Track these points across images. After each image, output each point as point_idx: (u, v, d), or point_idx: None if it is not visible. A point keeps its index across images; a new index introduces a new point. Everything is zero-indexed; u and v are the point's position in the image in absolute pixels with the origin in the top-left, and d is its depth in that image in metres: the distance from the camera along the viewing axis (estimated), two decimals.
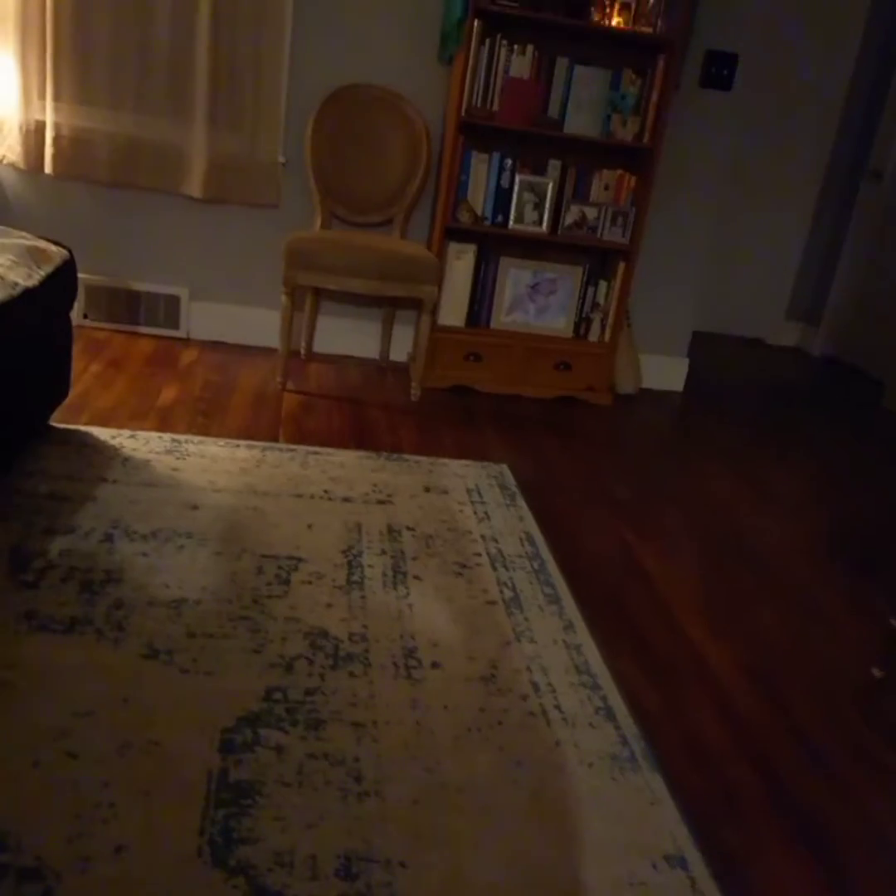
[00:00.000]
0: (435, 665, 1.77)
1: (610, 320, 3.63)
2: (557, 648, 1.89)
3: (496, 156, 3.37)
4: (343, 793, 1.41)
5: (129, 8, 3.18)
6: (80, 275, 2.91)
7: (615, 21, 3.23)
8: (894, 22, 4.75)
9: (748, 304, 5.31)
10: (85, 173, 3.33)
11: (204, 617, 1.80)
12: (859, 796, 1.61)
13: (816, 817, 1.54)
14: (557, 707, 1.70)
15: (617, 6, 3.23)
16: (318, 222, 3.43)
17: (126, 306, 3.54)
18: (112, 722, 1.48)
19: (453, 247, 3.47)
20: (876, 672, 1.92)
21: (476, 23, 3.13)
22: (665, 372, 4.03)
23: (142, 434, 2.64)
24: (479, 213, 3.43)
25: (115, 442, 2.55)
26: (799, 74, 4.85)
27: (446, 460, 2.83)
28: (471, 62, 3.18)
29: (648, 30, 3.23)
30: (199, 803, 1.35)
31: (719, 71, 3.58)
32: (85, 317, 3.50)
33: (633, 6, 3.22)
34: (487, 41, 3.20)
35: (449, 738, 1.57)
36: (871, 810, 1.58)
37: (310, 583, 1.99)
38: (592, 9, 3.22)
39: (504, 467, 2.85)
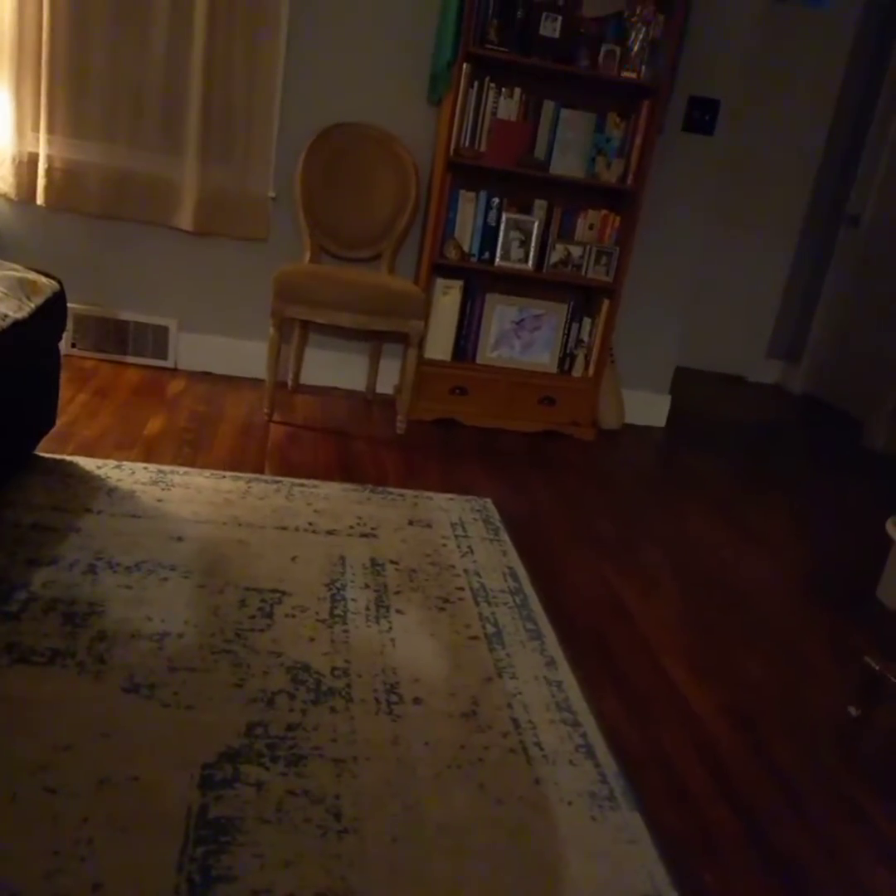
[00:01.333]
0: (416, 701, 1.77)
1: (594, 356, 3.68)
2: (539, 685, 1.90)
3: (483, 194, 3.43)
4: (322, 830, 1.41)
5: (124, 43, 3.24)
6: (68, 304, 2.92)
7: (601, 66, 3.31)
8: (872, 72, 4.89)
9: (730, 342, 5.39)
10: (76, 205, 3.36)
11: (186, 650, 1.80)
12: (835, 839, 1.62)
13: (793, 859, 1.55)
14: (538, 744, 1.71)
15: (602, 52, 3.31)
16: (307, 256, 3.47)
17: (114, 336, 3.55)
18: (92, 756, 1.48)
19: (440, 282, 3.52)
20: (852, 711, 1.94)
21: (465, 66, 3.20)
22: (648, 408, 4.08)
23: (127, 464, 2.64)
24: (466, 249, 3.48)
25: (100, 472, 2.55)
26: (779, 120, 4.98)
27: (431, 494, 2.85)
28: (459, 104, 3.25)
29: (633, 75, 3.31)
30: (177, 840, 1.34)
31: (702, 116, 3.68)
32: (73, 346, 3.51)
33: (619, 52, 3.31)
34: (476, 83, 3.27)
35: (429, 775, 1.58)
36: (846, 853, 1.59)
37: (293, 616, 2.00)
38: (579, 54, 3.31)
39: (488, 501, 2.87)
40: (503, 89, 3.32)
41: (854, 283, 4.97)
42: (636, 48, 3.28)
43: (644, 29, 3.27)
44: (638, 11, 3.27)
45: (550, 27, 3.26)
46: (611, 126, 3.42)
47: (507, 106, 3.35)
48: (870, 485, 3.87)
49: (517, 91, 3.34)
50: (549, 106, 3.38)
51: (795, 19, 4.85)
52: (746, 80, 3.70)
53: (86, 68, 3.24)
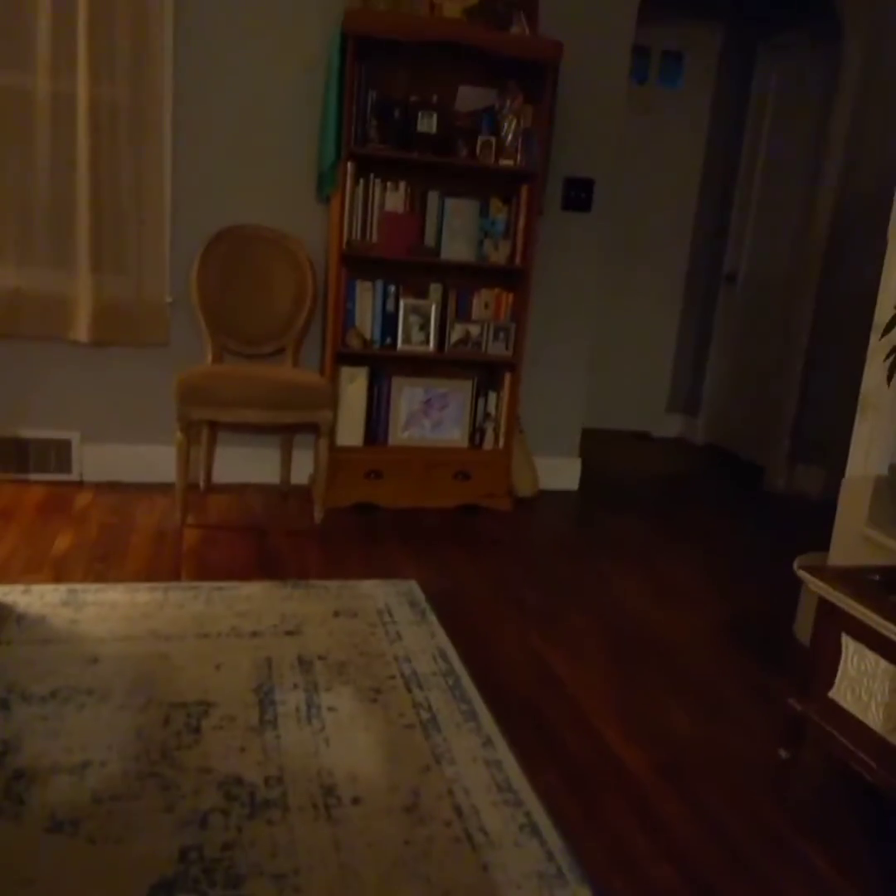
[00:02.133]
0: (355, 801, 1.74)
1: (502, 428, 3.77)
2: (477, 767, 1.89)
3: (379, 283, 3.53)
4: None
5: (7, 161, 3.24)
6: None
7: (479, 157, 3.49)
8: (729, 141, 5.28)
9: (632, 400, 5.60)
10: None
11: (110, 779, 1.73)
12: (779, 886, 1.65)
13: None
14: (482, 829, 1.69)
15: (479, 143, 3.49)
16: (210, 357, 3.48)
17: (14, 454, 3.46)
18: None
19: (346, 371, 3.57)
20: (782, 753, 1.98)
21: (349, 164, 3.33)
22: (560, 472, 4.18)
23: (36, 587, 2.55)
24: (367, 337, 3.55)
25: (8, 599, 2.46)
26: (653, 190, 5.30)
27: (354, 582, 2.84)
28: (348, 200, 3.36)
29: (510, 163, 3.49)
30: None
31: (578, 194, 3.90)
32: None
33: (495, 142, 3.49)
34: (361, 180, 3.40)
35: (375, 878, 1.54)
36: None
37: (221, 728, 1.95)
38: (458, 146, 3.48)
39: (412, 583, 2.87)
40: (388, 183, 3.46)
41: (738, 337, 5.26)
42: (510, 138, 3.47)
43: (515, 120, 3.47)
44: (508, 104, 3.47)
45: (427, 123, 3.43)
46: (494, 210, 3.58)
47: (394, 198, 3.47)
48: (776, 526, 4.04)
49: (402, 184, 3.48)
50: (434, 196, 3.53)
51: (657, 98, 5.23)
52: (617, 157, 3.94)
53: None
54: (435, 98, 3.48)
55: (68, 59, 3.20)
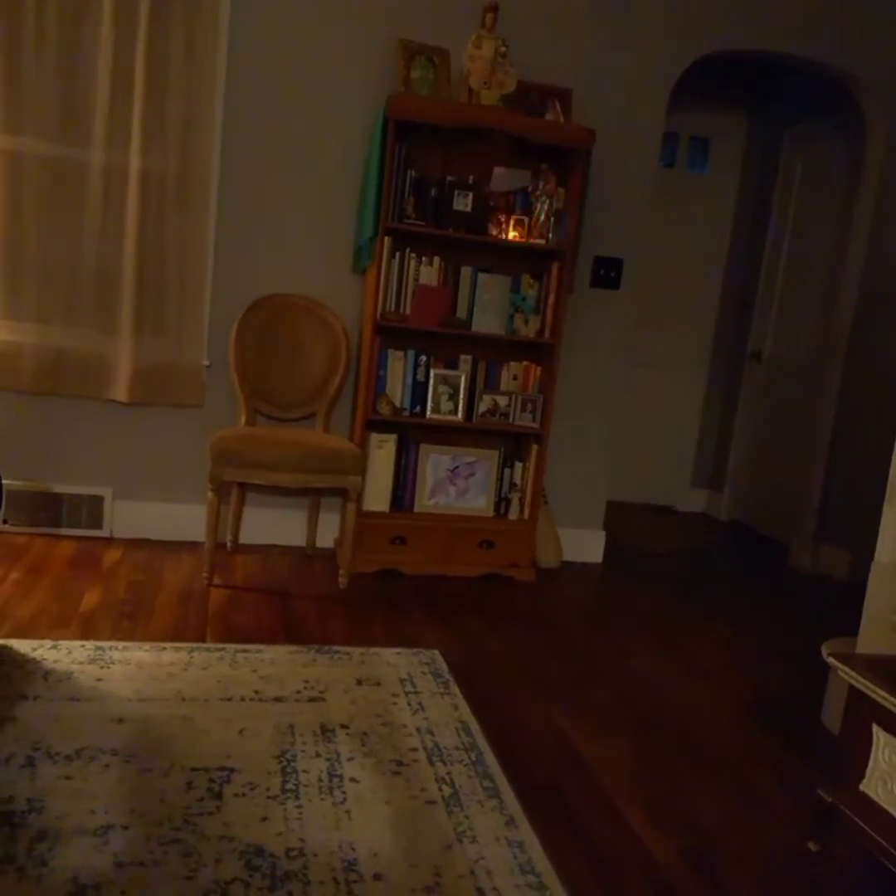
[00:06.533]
0: (376, 877, 1.72)
1: (528, 499, 3.79)
2: (500, 847, 1.86)
3: (411, 353, 3.61)
4: None
5: (58, 228, 3.38)
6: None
7: (511, 235, 3.60)
8: (754, 223, 5.40)
9: (657, 474, 5.61)
10: (10, 384, 3.41)
11: (133, 844, 1.73)
12: None
13: None
14: None
15: (512, 222, 3.60)
16: (243, 419, 3.55)
17: (47, 509, 3.52)
18: None
19: (375, 437, 3.63)
20: (812, 846, 1.94)
21: (386, 239, 3.44)
22: (584, 544, 4.18)
23: (64, 643, 2.58)
24: (397, 404, 3.62)
25: (35, 654, 2.48)
26: (679, 270, 5.41)
27: (377, 649, 2.84)
28: (383, 273, 3.47)
29: (541, 241, 3.60)
30: None
31: (607, 273, 3.99)
32: (4, 522, 3.46)
33: (527, 222, 3.60)
34: (397, 254, 3.50)
35: None
36: None
37: (243, 795, 1.94)
38: (490, 225, 3.59)
39: (435, 653, 2.86)
40: (423, 258, 3.56)
41: (762, 414, 5.29)
42: (542, 218, 3.58)
43: (548, 201, 3.58)
44: (541, 186, 3.59)
45: (463, 202, 3.54)
46: (525, 286, 3.67)
47: (428, 272, 3.58)
48: (801, 607, 3.99)
49: (436, 259, 3.58)
50: (466, 271, 3.63)
51: (684, 182, 5.37)
52: (645, 237, 4.04)
53: (20, 253, 3.36)
54: (471, 178, 3.60)
55: (122, 131, 3.35)
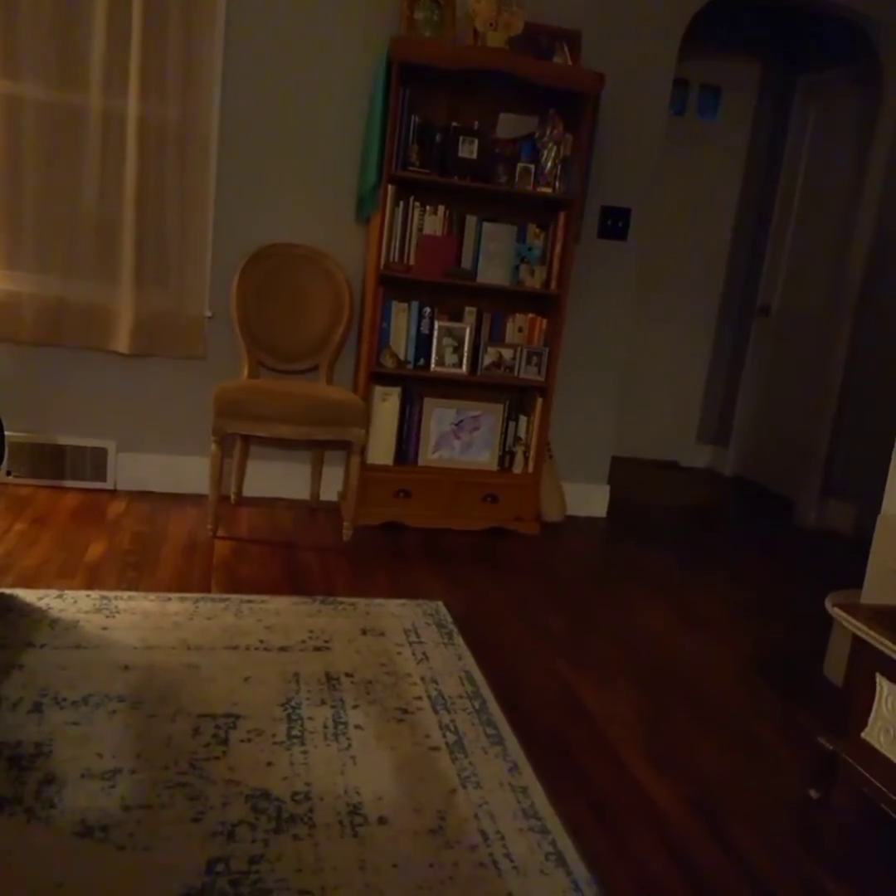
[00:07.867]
0: (381, 820, 1.74)
1: (532, 453, 3.78)
2: (504, 792, 1.88)
3: (415, 304, 3.56)
4: None
5: (58, 178, 3.32)
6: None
7: (518, 183, 3.53)
8: (766, 173, 5.29)
9: (662, 429, 5.59)
10: (11, 335, 3.38)
11: (140, 787, 1.74)
12: None
13: None
14: (507, 855, 1.69)
15: (519, 170, 3.53)
16: (245, 371, 3.52)
17: (51, 461, 3.52)
18: None
19: (379, 390, 3.60)
20: (812, 793, 1.96)
21: (390, 187, 3.37)
22: (588, 499, 4.17)
23: (70, 593, 2.59)
24: (401, 357, 3.58)
25: (41, 603, 2.49)
26: (688, 221, 5.32)
27: (382, 600, 2.85)
28: (387, 222, 3.41)
29: (548, 190, 3.53)
30: None
31: (615, 223, 3.92)
32: (8, 474, 3.46)
33: (534, 170, 3.53)
34: (401, 203, 3.44)
35: None
36: None
37: (249, 741, 1.96)
38: (497, 172, 3.52)
39: (439, 604, 2.87)
40: (427, 207, 3.50)
41: (770, 369, 5.24)
42: (549, 166, 3.51)
43: (555, 148, 3.50)
44: (548, 132, 3.51)
45: (468, 149, 3.47)
46: (531, 236, 3.61)
47: (433, 222, 3.52)
48: (806, 561, 4.00)
49: (441, 208, 3.52)
50: (471, 220, 3.56)
51: (694, 130, 5.25)
52: (654, 186, 3.96)
53: (20, 203, 3.30)
54: (476, 124, 3.52)
55: (120, 77, 3.28)
